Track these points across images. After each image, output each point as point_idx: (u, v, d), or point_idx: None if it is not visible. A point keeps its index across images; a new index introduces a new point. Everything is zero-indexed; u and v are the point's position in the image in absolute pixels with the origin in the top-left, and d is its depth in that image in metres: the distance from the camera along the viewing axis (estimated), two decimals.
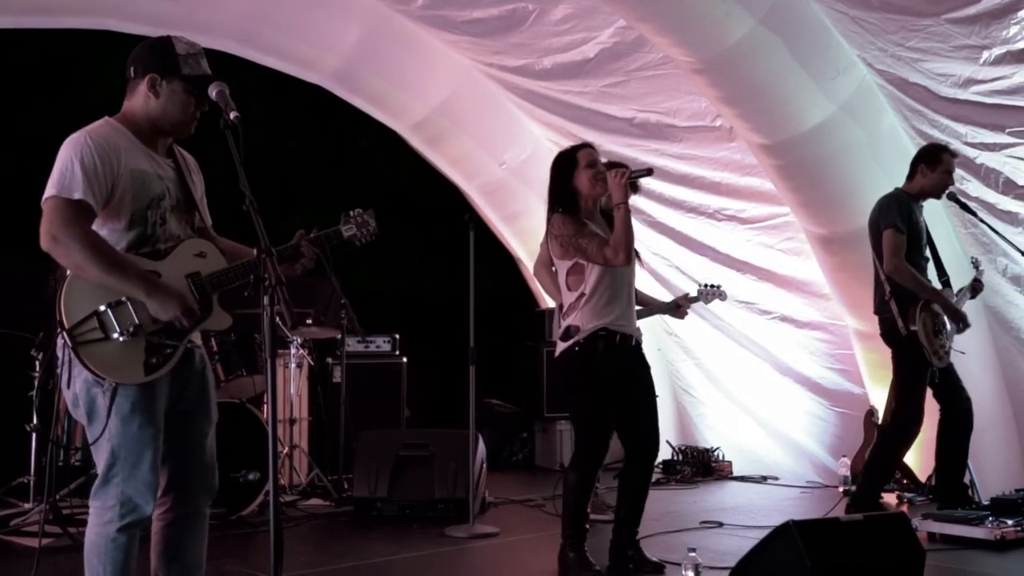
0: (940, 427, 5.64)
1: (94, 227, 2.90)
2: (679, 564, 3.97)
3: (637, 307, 4.82)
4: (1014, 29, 5.17)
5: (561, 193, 4.58)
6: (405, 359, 7.97)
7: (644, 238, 7.87)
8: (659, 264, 8.21)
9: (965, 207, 5.82)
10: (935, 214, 6.08)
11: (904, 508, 6.22)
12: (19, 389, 6.08)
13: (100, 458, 2.89)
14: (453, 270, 7.07)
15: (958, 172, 5.84)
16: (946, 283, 5.72)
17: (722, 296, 6.16)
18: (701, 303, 6.21)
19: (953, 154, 5.69)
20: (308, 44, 7.39)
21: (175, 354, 2.96)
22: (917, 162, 5.67)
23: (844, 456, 7.12)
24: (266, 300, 2.65)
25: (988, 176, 6.00)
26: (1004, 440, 6.38)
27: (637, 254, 4.55)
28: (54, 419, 5.89)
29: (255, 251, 2.74)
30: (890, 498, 6.45)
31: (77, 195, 2.82)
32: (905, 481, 6.63)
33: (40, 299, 5.74)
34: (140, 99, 3.01)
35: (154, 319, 2.89)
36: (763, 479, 7.84)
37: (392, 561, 4.92)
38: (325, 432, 7.26)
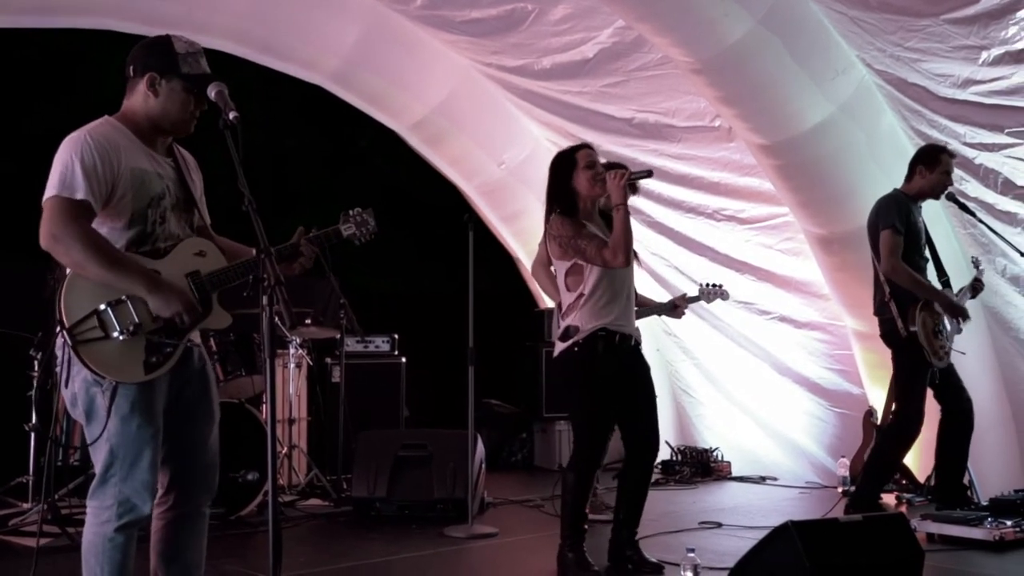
0: (940, 427, 5.65)
1: (94, 226, 2.90)
2: (678, 564, 3.97)
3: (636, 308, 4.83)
4: (1013, 30, 5.17)
5: (560, 193, 4.58)
6: (404, 359, 7.97)
7: (643, 238, 7.87)
8: (658, 264, 8.20)
9: (964, 207, 5.82)
10: (934, 214, 6.08)
11: (903, 509, 6.22)
12: (18, 389, 6.08)
13: (98, 458, 2.89)
14: (452, 270, 7.07)
15: (957, 172, 5.84)
16: (946, 283, 5.72)
17: (724, 295, 6.16)
18: (702, 302, 6.21)
19: (951, 155, 5.70)
20: (307, 44, 7.39)
21: (175, 353, 2.96)
22: (915, 163, 5.68)
23: (843, 456, 7.12)
24: (265, 300, 2.65)
25: (987, 176, 6.00)
26: (1003, 441, 6.38)
27: (635, 254, 4.54)
28: (53, 419, 5.89)
29: (254, 251, 2.74)
30: (889, 499, 6.45)
31: (79, 195, 2.82)
32: (904, 482, 6.63)
33: (39, 299, 5.75)
34: (139, 98, 3.01)
35: (154, 318, 2.89)
36: (762, 479, 7.84)
37: (391, 561, 4.92)
38: (324, 432, 7.26)
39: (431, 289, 9.71)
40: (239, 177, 2.76)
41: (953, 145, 5.90)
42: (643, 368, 4.67)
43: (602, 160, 4.72)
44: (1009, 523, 4.96)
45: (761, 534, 3.87)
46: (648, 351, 4.84)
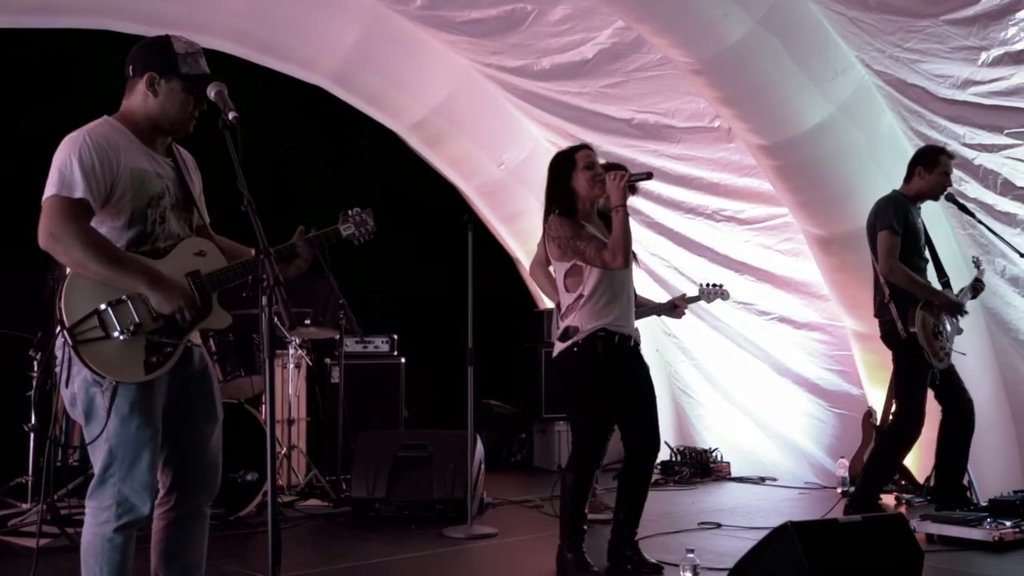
0: (941, 428, 5.65)
1: (93, 225, 2.90)
2: (677, 565, 3.97)
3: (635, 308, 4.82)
4: (1012, 30, 5.17)
5: (559, 194, 4.58)
6: (403, 359, 7.97)
7: (642, 239, 7.87)
8: (657, 265, 8.21)
9: (963, 208, 5.82)
10: (934, 215, 6.08)
11: (902, 509, 6.22)
12: (17, 389, 6.07)
13: (97, 458, 2.89)
14: (451, 270, 7.06)
15: (956, 173, 5.84)
16: (946, 284, 5.72)
17: (724, 295, 6.15)
18: (702, 302, 6.21)
19: (950, 156, 5.70)
20: (307, 44, 7.38)
21: (175, 353, 2.96)
22: (914, 164, 5.68)
23: (842, 457, 7.12)
24: (264, 300, 2.65)
25: (986, 177, 6.00)
26: (1002, 441, 6.38)
27: (634, 255, 4.54)
28: (52, 419, 5.89)
29: (253, 251, 2.74)
30: (888, 499, 6.45)
31: (77, 194, 2.82)
32: (903, 482, 6.63)
33: (39, 299, 5.75)
34: (139, 98, 3.01)
35: (154, 317, 2.89)
36: (761, 480, 7.84)
37: (390, 562, 4.92)
38: (323, 432, 7.26)
39: (430, 289, 9.71)
40: (238, 177, 2.76)
41: (952, 146, 5.90)
42: (642, 368, 4.67)
43: (601, 160, 4.72)
44: (1008, 524, 4.96)
45: (760, 535, 3.87)
46: (647, 352, 4.84)
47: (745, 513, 6.25)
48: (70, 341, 2.81)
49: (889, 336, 5.56)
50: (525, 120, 8.22)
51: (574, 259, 4.46)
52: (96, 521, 2.89)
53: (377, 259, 8.50)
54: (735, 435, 8.26)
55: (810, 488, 7.39)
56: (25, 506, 5.71)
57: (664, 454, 8.16)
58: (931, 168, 5.60)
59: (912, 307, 5.44)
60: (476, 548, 5.27)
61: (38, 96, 8.04)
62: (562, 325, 4.55)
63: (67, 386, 2.90)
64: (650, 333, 8.10)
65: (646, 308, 5.62)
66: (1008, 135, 5.73)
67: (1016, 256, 5.88)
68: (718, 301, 6.30)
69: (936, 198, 5.72)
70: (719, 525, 5.75)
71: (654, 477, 5.11)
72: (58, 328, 2.85)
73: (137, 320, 2.86)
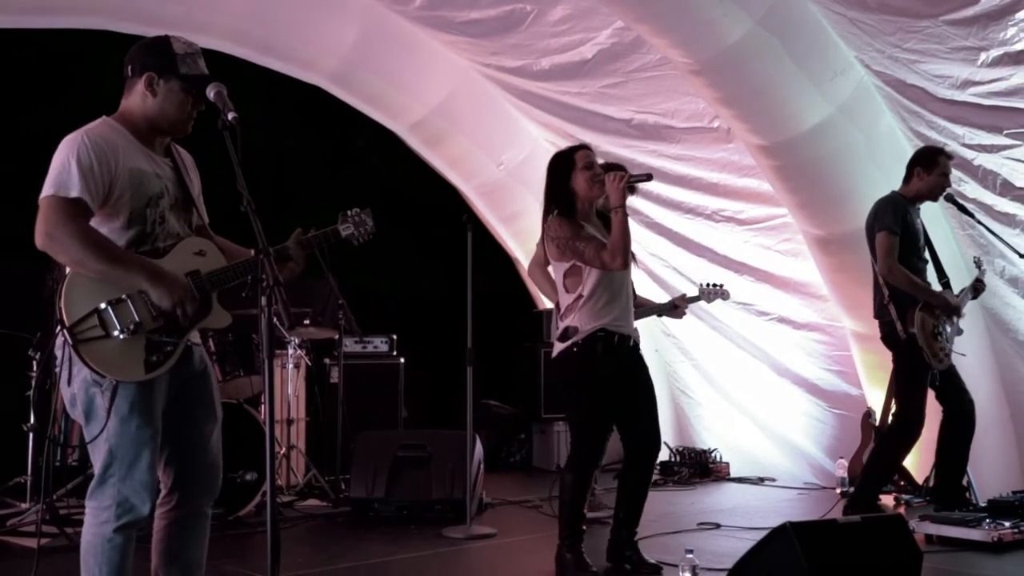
0: (942, 428, 5.65)
1: (93, 226, 2.90)
2: (676, 565, 3.97)
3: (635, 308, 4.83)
4: (1011, 31, 5.17)
5: (558, 194, 4.58)
6: (403, 360, 7.97)
7: (642, 239, 7.87)
8: (657, 265, 8.21)
9: (963, 209, 5.83)
10: (933, 216, 6.08)
11: (901, 510, 6.23)
12: (17, 389, 6.07)
13: (97, 458, 2.89)
14: (451, 271, 7.06)
15: (956, 174, 5.85)
16: (946, 285, 5.72)
17: (724, 295, 6.15)
18: (702, 302, 6.21)
19: (949, 156, 5.70)
20: (306, 44, 7.38)
21: (175, 352, 2.96)
22: (913, 165, 5.68)
23: (841, 458, 7.12)
24: (263, 300, 2.65)
25: (986, 178, 6.00)
26: (1002, 442, 6.38)
27: (633, 255, 4.54)
28: (51, 419, 5.89)
29: (253, 251, 2.74)
30: (887, 500, 6.45)
31: (74, 193, 2.82)
32: (902, 483, 6.63)
33: (38, 299, 5.75)
34: (137, 98, 3.01)
35: (154, 317, 2.89)
36: (760, 480, 7.84)
37: (389, 562, 4.92)
38: (323, 433, 7.26)
39: (430, 290, 9.71)
40: (238, 178, 2.76)
41: (952, 146, 5.90)
42: (642, 368, 4.68)
43: (600, 160, 4.72)
44: (1007, 524, 4.96)
45: (759, 535, 3.88)
46: (647, 352, 4.84)
47: (744, 513, 6.25)
48: (70, 340, 2.81)
49: (889, 337, 5.56)
50: (524, 120, 8.22)
51: (573, 259, 4.46)
52: (96, 521, 2.89)
53: (376, 259, 8.50)
54: (734, 435, 8.26)
55: (809, 488, 7.39)
56: (24, 506, 5.71)
57: (663, 454, 8.15)
58: (930, 169, 5.60)
59: (911, 308, 5.45)
60: (475, 548, 5.27)
61: (38, 96, 8.04)
62: (561, 325, 4.55)
63: (69, 384, 2.90)
64: (649, 333, 8.10)
65: (646, 308, 5.62)
66: (1007, 135, 5.74)
67: (1015, 257, 5.88)
68: (718, 301, 6.30)
69: (935, 199, 5.72)
70: (718, 525, 5.76)
71: (653, 477, 5.10)
72: (58, 327, 2.85)
73: (137, 319, 2.86)
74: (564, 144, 5.98)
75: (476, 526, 5.58)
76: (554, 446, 8.50)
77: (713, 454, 8.24)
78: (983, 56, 5.37)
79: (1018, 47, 5.23)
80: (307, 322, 7.02)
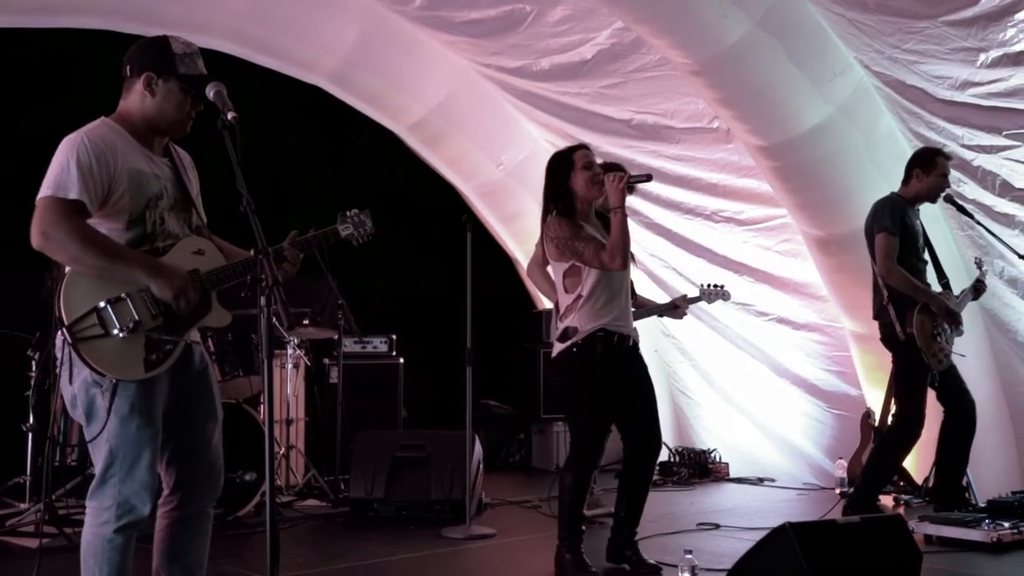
0: (943, 428, 5.64)
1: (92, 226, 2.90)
2: (676, 566, 3.97)
3: (634, 308, 4.82)
4: (1011, 32, 5.17)
5: (557, 194, 4.58)
6: (402, 360, 7.98)
7: (641, 239, 7.88)
8: (656, 265, 8.21)
9: (962, 209, 5.83)
10: (932, 216, 6.09)
11: (901, 510, 6.23)
12: (16, 389, 6.07)
13: (98, 458, 2.89)
14: (450, 271, 7.06)
15: (955, 174, 5.85)
16: (946, 286, 5.73)
17: (725, 296, 6.15)
18: (703, 303, 6.21)
19: (948, 157, 5.70)
20: (306, 44, 7.39)
21: (175, 351, 2.96)
22: (912, 166, 5.68)
23: (841, 458, 7.12)
24: (263, 300, 2.65)
25: (985, 178, 6.00)
26: (1001, 443, 6.38)
27: (632, 255, 4.53)
28: (51, 419, 5.89)
29: (252, 251, 2.74)
30: (887, 500, 6.45)
31: (73, 195, 2.82)
32: (902, 483, 6.63)
33: (37, 299, 5.75)
34: (136, 98, 3.01)
35: (154, 316, 2.90)
36: (760, 481, 7.84)
37: (389, 562, 4.92)
38: (322, 433, 7.26)
39: (429, 290, 9.72)
40: (237, 178, 2.75)
41: (951, 147, 5.90)
42: (641, 368, 4.67)
43: (599, 160, 4.72)
44: (1007, 525, 4.96)
45: (759, 535, 3.87)
46: (646, 352, 4.84)
47: (743, 514, 6.25)
48: (69, 339, 2.81)
49: (889, 338, 5.56)
50: (524, 120, 8.22)
51: (572, 260, 4.46)
52: (96, 521, 2.89)
53: (376, 259, 8.51)
54: (733, 436, 8.26)
55: (808, 489, 7.39)
56: (23, 506, 5.70)
57: (662, 455, 8.15)
58: (928, 170, 5.61)
59: (910, 309, 5.45)
60: (474, 548, 5.27)
61: (38, 96, 8.04)
62: (561, 326, 4.55)
63: (71, 383, 2.90)
64: (649, 334, 8.10)
65: (647, 308, 5.62)
66: (1007, 136, 5.74)
67: (1015, 257, 5.88)
68: (718, 302, 6.30)
69: (934, 200, 5.73)
70: (717, 526, 5.75)
71: (653, 477, 5.11)
72: (57, 327, 2.85)
73: (136, 318, 2.86)
74: (564, 144, 5.97)
75: (475, 526, 5.58)
76: (553, 446, 8.50)
77: (712, 454, 8.24)
78: (982, 57, 5.37)
79: (1017, 48, 5.23)
80: (306, 322, 7.02)
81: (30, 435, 5.87)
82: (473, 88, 7.94)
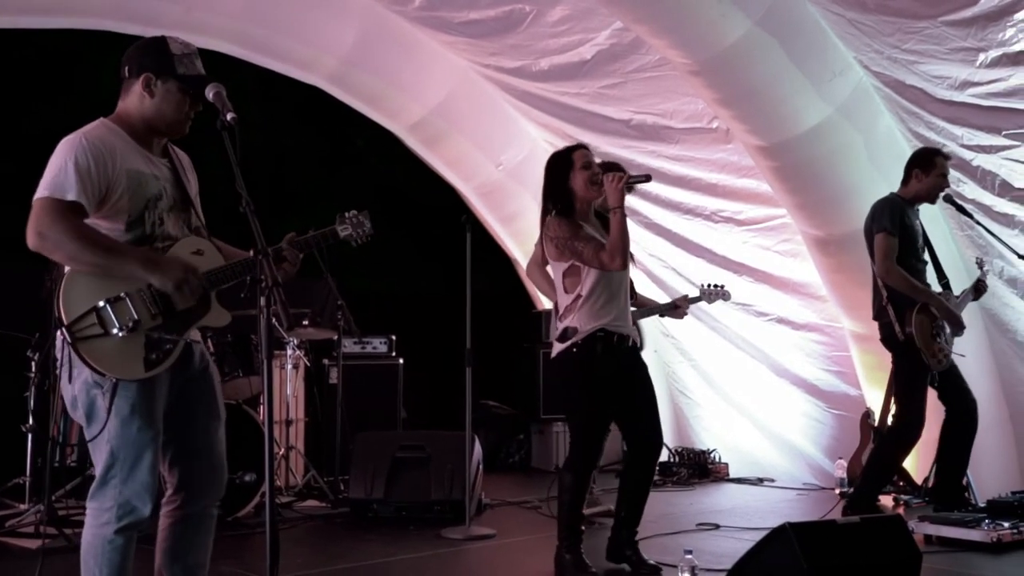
0: (944, 428, 5.64)
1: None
2: (676, 566, 3.97)
3: (634, 308, 4.82)
4: (1010, 32, 5.17)
5: (556, 194, 4.57)
6: (401, 360, 7.98)
7: (641, 239, 7.88)
8: (655, 266, 8.21)
9: (961, 209, 5.83)
10: (932, 216, 6.09)
11: (900, 510, 6.22)
12: (16, 390, 6.07)
13: (98, 459, 2.89)
14: (450, 271, 7.06)
15: (954, 174, 5.85)
16: (946, 286, 5.72)
17: (725, 296, 6.15)
18: (703, 303, 6.20)
19: (947, 157, 5.70)
20: (305, 45, 7.39)
21: (175, 350, 2.96)
22: (911, 167, 5.68)
23: (840, 458, 7.12)
24: (262, 301, 2.65)
25: (984, 178, 6.00)
26: (1001, 443, 6.38)
27: (631, 255, 4.53)
28: (51, 419, 5.88)
29: (251, 251, 2.74)
30: (886, 500, 6.45)
31: (70, 196, 2.82)
32: (901, 483, 6.63)
33: (37, 299, 5.74)
34: (135, 99, 3.01)
35: (153, 315, 2.90)
36: (759, 481, 7.84)
37: (388, 563, 4.91)
38: (321, 433, 7.26)
39: (428, 290, 9.72)
40: (237, 178, 2.75)
41: (950, 147, 5.90)
42: (641, 368, 4.67)
43: (597, 160, 4.72)
44: (1006, 525, 4.96)
45: (759, 536, 3.87)
46: (646, 352, 4.84)
47: (743, 514, 6.25)
48: (69, 339, 2.81)
49: (888, 339, 5.56)
50: (523, 121, 8.23)
51: (572, 259, 4.46)
52: (97, 522, 2.88)
53: (375, 260, 8.51)
54: (733, 436, 8.26)
55: (808, 489, 7.39)
56: (23, 507, 5.70)
57: (662, 455, 8.16)
58: (928, 170, 5.61)
59: (909, 309, 5.45)
60: (474, 549, 5.27)
61: (38, 96, 8.04)
62: (560, 326, 4.55)
63: (70, 382, 2.90)
64: (648, 334, 8.07)
65: (649, 308, 5.62)
66: (1006, 136, 5.74)
67: (1014, 257, 5.88)
68: (718, 302, 6.30)
69: (933, 200, 5.72)
70: (717, 526, 5.75)
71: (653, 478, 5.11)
72: (57, 326, 2.85)
73: (136, 317, 2.86)
74: (563, 145, 5.98)
75: (475, 527, 5.57)
76: (553, 447, 8.50)
77: (712, 455, 8.24)
78: (982, 57, 5.37)
79: (1016, 48, 5.23)
80: (306, 323, 7.02)
81: (30, 436, 5.87)
82: (472, 88, 7.94)
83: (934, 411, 5.58)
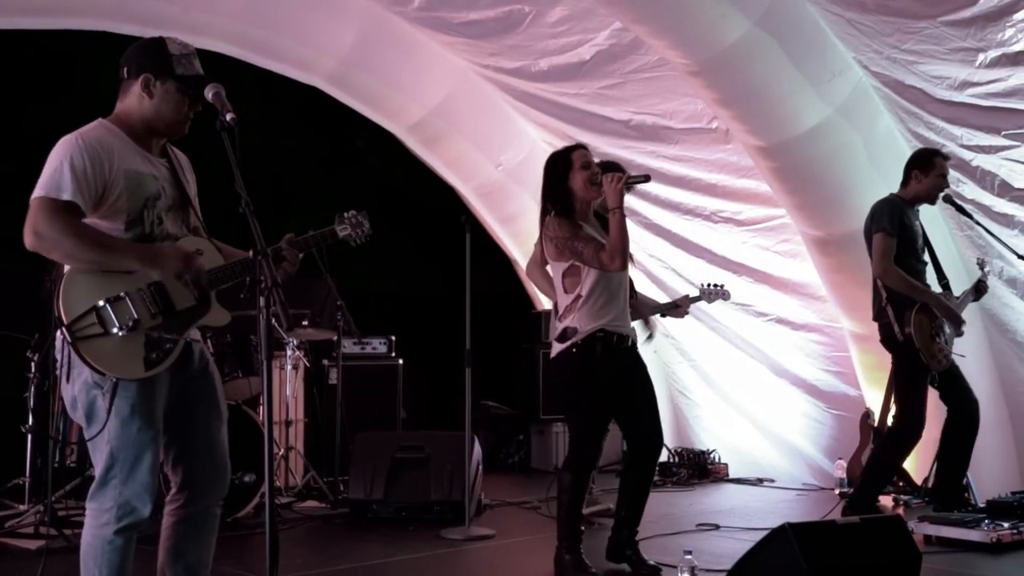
0: (946, 428, 5.63)
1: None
2: (675, 567, 3.97)
3: (634, 307, 4.82)
4: (1009, 32, 5.18)
5: (555, 194, 4.57)
6: (401, 361, 7.97)
7: (640, 240, 7.88)
8: (655, 266, 8.21)
9: (961, 210, 5.83)
10: (931, 217, 6.08)
11: (900, 510, 6.22)
12: (15, 391, 6.06)
13: (98, 460, 2.89)
14: (449, 271, 7.05)
15: (954, 175, 5.85)
16: (946, 287, 5.72)
17: (725, 295, 6.14)
18: (703, 302, 6.20)
19: (946, 157, 5.70)
20: (304, 45, 7.39)
21: (175, 349, 2.96)
22: (910, 168, 5.68)
23: (840, 458, 7.12)
24: (262, 302, 2.65)
25: (984, 179, 6.00)
26: (1000, 443, 6.38)
27: (631, 255, 4.53)
28: (51, 419, 5.88)
29: (250, 252, 2.74)
30: (886, 500, 6.45)
31: (66, 196, 2.82)
32: (901, 484, 6.63)
33: (36, 300, 5.74)
34: (134, 100, 3.01)
35: (153, 314, 2.90)
36: (759, 481, 7.84)
37: (388, 563, 4.91)
38: (321, 434, 7.25)
39: (428, 290, 9.71)
40: (236, 179, 2.75)
41: (950, 147, 5.90)
42: (640, 368, 4.66)
43: (596, 160, 4.71)
44: (1006, 525, 4.96)
45: (758, 536, 3.87)
46: (645, 353, 4.84)
47: (743, 514, 6.25)
48: (69, 338, 2.81)
49: (888, 339, 5.56)
50: (523, 121, 8.22)
51: (572, 259, 4.46)
52: (96, 523, 2.89)
53: (375, 260, 8.51)
54: (733, 436, 8.26)
55: (808, 489, 7.39)
56: (22, 507, 5.70)
57: (662, 455, 8.16)
58: (927, 171, 5.61)
59: (908, 310, 5.45)
60: (474, 550, 5.27)
61: (38, 96, 8.04)
62: (560, 326, 4.55)
63: (69, 382, 2.90)
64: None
65: (650, 308, 5.62)
66: (1005, 136, 5.74)
67: (1014, 257, 5.88)
68: (718, 302, 6.29)
69: (933, 201, 5.72)
70: (717, 526, 5.75)
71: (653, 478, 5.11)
72: (57, 326, 2.85)
73: (136, 316, 2.87)
74: (562, 145, 5.98)
75: (475, 527, 5.57)
76: (552, 447, 8.50)
77: (712, 455, 8.24)
78: (981, 57, 5.37)
79: (1016, 48, 5.23)
80: (305, 323, 7.02)
81: (29, 437, 5.86)
82: (472, 89, 7.94)
83: (934, 411, 5.58)
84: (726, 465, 8.20)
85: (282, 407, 6.97)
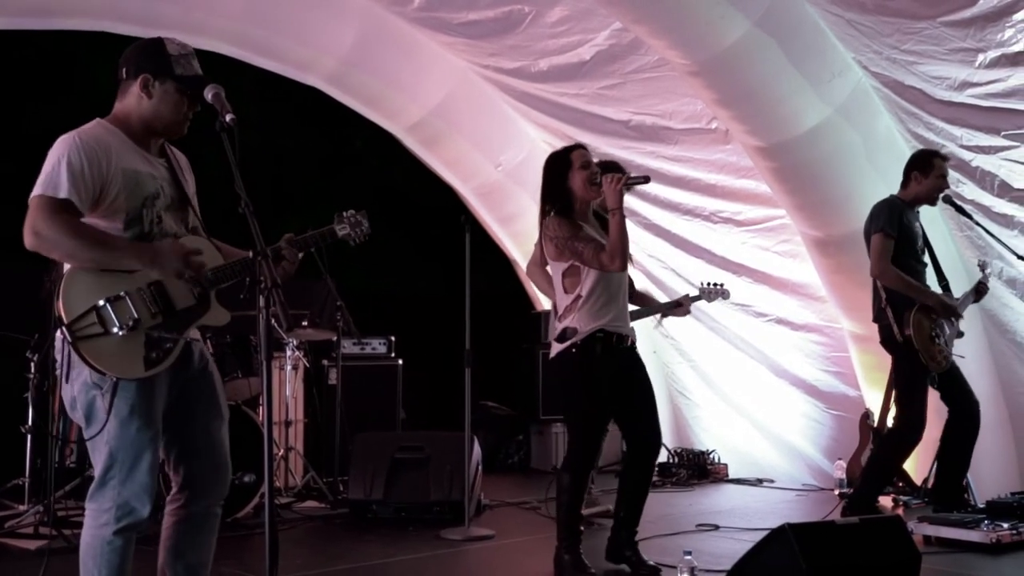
0: (947, 428, 5.63)
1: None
2: (675, 567, 3.97)
3: (637, 307, 4.82)
4: (1009, 32, 5.18)
5: (555, 194, 4.57)
6: (401, 361, 7.97)
7: (640, 240, 7.88)
8: (655, 266, 8.21)
9: (961, 210, 5.83)
10: (931, 217, 6.08)
11: (900, 511, 6.23)
12: (16, 391, 6.06)
13: (97, 460, 2.89)
14: (449, 272, 7.05)
15: (954, 175, 5.85)
16: (946, 288, 5.72)
17: (725, 295, 6.14)
18: (703, 302, 6.20)
19: (945, 159, 5.70)
20: (304, 46, 7.38)
21: (175, 349, 2.96)
22: (910, 169, 5.68)
23: (840, 459, 7.12)
24: (262, 302, 2.65)
25: (984, 179, 6.00)
26: (1000, 443, 6.38)
27: (630, 256, 4.53)
28: (51, 419, 5.88)
29: (250, 252, 2.75)
30: (886, 501, 6.45)
31: (62, 194, 2.82)
32: (901, 484, 6.63)
33: (36, 300, 5.74)
34: (132, 100, 3.01)
35: (153, 314, 2.90)
36: (759, 482, 7.84)
37: (388, 564, 4.91)
38: (321, 434, 7.26)
39: (428, 291, 9.71)
40: (236, 179, 2.75)
41: (949, 148, 5.90)
42: (639, 368, 4.67)
43: (595, 160, 4.71)
44: (1005, 526, 4.96)
45: (758, 536, 3.88)
46: (644, 353, 4.84)
47: (743, 515, 6.25)
48: (69, 338, 2.81)
49: (888, 340, 5.56)
50: (522, 121, 8.22)
51: (572, 260, 4.46)
52: (95, 523, 2.89)
53: (374, 260, 8.51)
54: (732, 437, 8.26)
55: (807, 490, 7.39)
56: (22, 508, 5.70)
57: (661, 456, 8.15)
58: (927, 172, 5.61)
59: (908, 311, 5.45)
60: (473, 550, 5.27)
61: (38, 96, 8.03)
62: (559, 326, 4.55)
63: (68, 382, 2.90)
64: (647, 335, 8.09)
65: (650, 307, 5.62)
66: (1005, 137, 5.74)
67: (1013, 258, 5.88)
68: (718, 301, 6.29)
69: (933, 202, 5.72)
70: (717, 527, 5.75)
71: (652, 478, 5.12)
72: (57, 326, 2.85)
73: (136, 316, 2.87)
74: (561, 145, 5.98)
75: (474, 528, 5.57)
76: (552, 447, 8.50)
77: (711, 455, 8.24)
78: (981, 57, 5.38)
79: (1015, 48, 5.23)
80: (305, 324, 7.02)
81: (29, 437, 5.86)
82: (471, 89, 7.94)
83: (934, 412, 5.58)
84: (726, 465, 8.20)
85: (282, 407, 6.97)
